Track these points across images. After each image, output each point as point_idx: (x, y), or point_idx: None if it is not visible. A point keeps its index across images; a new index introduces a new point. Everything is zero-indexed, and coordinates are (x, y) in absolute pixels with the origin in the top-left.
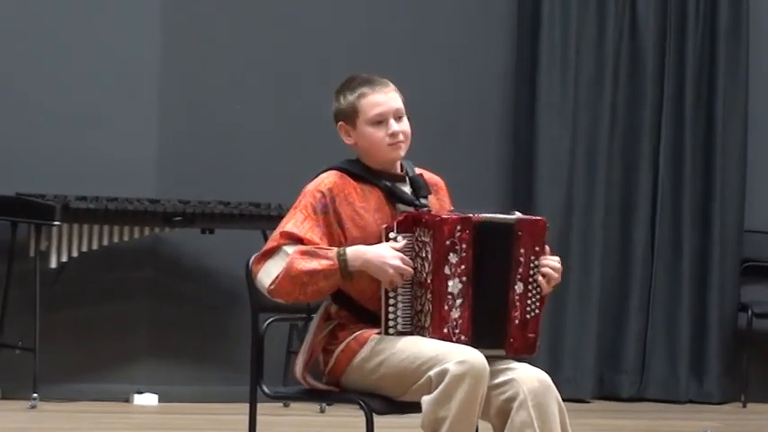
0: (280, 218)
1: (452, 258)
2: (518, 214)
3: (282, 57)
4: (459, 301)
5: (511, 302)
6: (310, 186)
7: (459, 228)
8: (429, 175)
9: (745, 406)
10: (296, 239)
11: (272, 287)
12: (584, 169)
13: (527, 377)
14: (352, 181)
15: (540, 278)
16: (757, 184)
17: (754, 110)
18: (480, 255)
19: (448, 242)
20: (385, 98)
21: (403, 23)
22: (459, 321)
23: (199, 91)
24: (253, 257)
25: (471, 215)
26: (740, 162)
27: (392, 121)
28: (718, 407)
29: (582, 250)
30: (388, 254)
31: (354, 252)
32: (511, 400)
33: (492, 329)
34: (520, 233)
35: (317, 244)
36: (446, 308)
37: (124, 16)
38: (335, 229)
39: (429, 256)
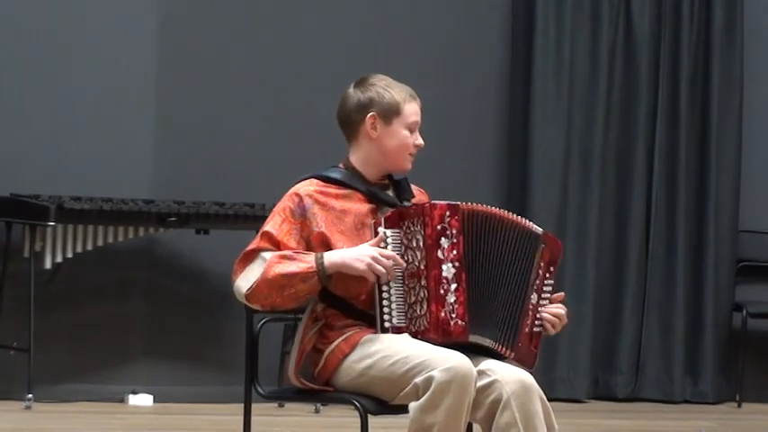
0: None
1: (444, 243)
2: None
3: (278, 59)
4: (453, 286)
5: (525, 310)
6: (289, 191)
7: (448, 213)
8: (415, 189)
9: (740, 406)
10: (275, 243)
11: (249, 292)
12: (578, 170)
13: (509, 378)
14: (332, 187)
15: (548, 311)
16: (752, 184)
17: (749, 110)
18: (476, 245)
19: (439, 227)
20: (419, 109)
21: (398, 26)
22: (455, 306)
23: (194, 92)
24: (235, 262)
25: (459, 203)
26: (735, 162)
27: (418, 134)
28: (713, 407)
29: (576, 251)
30: (364, 249)
31: (331, 253)
32: (496, 401)
33: (490, 323)
34: (543, 245)
35: (294, 249)
36: (442, 291)
37: (121, 18)
38: (312, 233)
39: (421, 244)
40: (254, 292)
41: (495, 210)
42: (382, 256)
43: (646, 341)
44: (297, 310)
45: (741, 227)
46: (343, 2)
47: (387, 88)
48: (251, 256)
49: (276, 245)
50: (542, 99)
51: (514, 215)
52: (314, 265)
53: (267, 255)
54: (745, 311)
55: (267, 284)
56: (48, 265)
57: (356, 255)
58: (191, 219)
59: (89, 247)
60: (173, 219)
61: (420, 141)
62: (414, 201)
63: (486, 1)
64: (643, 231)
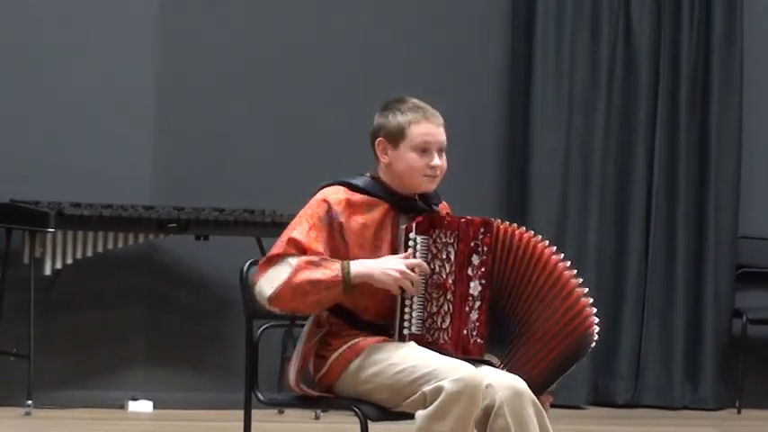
0: (274, 224)
1: (475, 260)
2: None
3: (278, 65)
4: (477, 303)
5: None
6: (319, 196)
7: (482, 230)
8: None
9: (739, 412)
10: (301, 249)
11: (273, 295)
12: (578, 176)
13: (502, 384)
14: (358, 197)
15: None
16: (752, 189)
17: (748, 116)
18: (501, 264)
19: (472, 244)
20: (435, 130)
21: (396, 30)
22: (477, 324)
23: (194, 98)
24: (257, 265)
25: (493, 220)
26: (734, 168)
27: (435, 154)
28: (713, 413)
29: (576, 257)
30: (391, 262)
31: (357, 263)
32: (489, 407)
33: (504, 344)
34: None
35: (321, 254)
36: (467, 309)
37: (120, 25)
38: (339, 242)
39: (452, 258)
40: (277, 295)
41: (552, 257)
42: (409, 268)
43: (645, 347)
44: (298, 317)
45: (741, 233)
46: (343, 7)
47: (398, 112)
48: (275, 259)
49: (303, 252)
50: (542, 104)
51: (577, 283)
52: (339, 274)
53: (293, 260)
54: (744, 318)
55: (292, 290)
56: (47, 271)
57: (383, 267)
58: (190, 225)
59: (89, 254)
60: (172, 225)
61: (436, 162)
62: (441, 207)
63: (485, 6)
64: (643, 237)
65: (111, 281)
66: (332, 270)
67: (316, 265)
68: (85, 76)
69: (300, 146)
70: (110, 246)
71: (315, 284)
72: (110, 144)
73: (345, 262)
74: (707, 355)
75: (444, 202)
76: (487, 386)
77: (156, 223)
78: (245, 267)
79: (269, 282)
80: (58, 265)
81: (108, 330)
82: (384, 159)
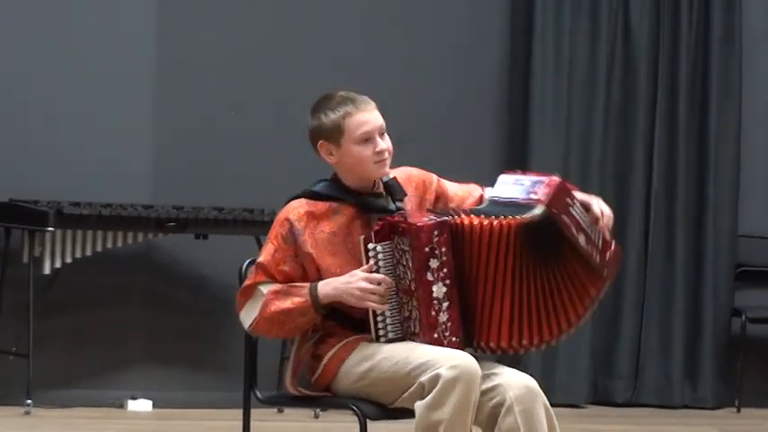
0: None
1: (433, 264)
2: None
3: (276, 63)
4: (445, 305)
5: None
6: (282, 214)
7: (436, 233)
8: (407, 173)
9: (739, 411)
10: (269, 274)
11: (251, 328)
12: (577, 176)
13: (513, 383)
14: (322, 206)
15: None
16: (750, 188)
17: (747, 115)
18: (463, 255)
19: (427, 249)
20: (370, 116)
21: (396, 30)
22: (449, 324)
23: (193, 97)
24: (239, 289)
25: (449, 218)
26: (733, 167)
27: (378, 139)
28: (713, 412)
29: None
30: (352, 279)
31: (325, 285)
32: (498, 405)
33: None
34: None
35: (290, 275)
36: (433, 313)
37: (119, 23)
38: (304, 258)
39: (410, 264)
40: (255, 328)
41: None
42: (372, 282)
43: (645, 346)
44: None
45: (740, 231)
46: (343, 6)
47: (328, 110)
48: (249, 290)
49: (271, 276)
50: (541, 104)
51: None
52: (308, 299)
53: (264, 289)
54: (744, 316)
55: (266, 322)
56: (47, 270)
57: (347, 287)
58: (189, 224)
59: (88, 253)
60: (171, 224)
61: (382, 146)
62: (409, 191)
63: (484, 6)
64: (642, 236)
65: (111, 280)
66: (301, 296)
67: (284, 294)
68: (85, 76)
69: (300, 145)
70: (109, 245)
71: (287, 314)
72: (109, 143)
73: (313, 285)
74: (706, 354)
75: (423, 175)
76: (498, 385)
77: (156, 222)
78: (244, 266)
79: (247, 315)
80: (58, 265)
81: (107, 329)
82: (331, 160)
